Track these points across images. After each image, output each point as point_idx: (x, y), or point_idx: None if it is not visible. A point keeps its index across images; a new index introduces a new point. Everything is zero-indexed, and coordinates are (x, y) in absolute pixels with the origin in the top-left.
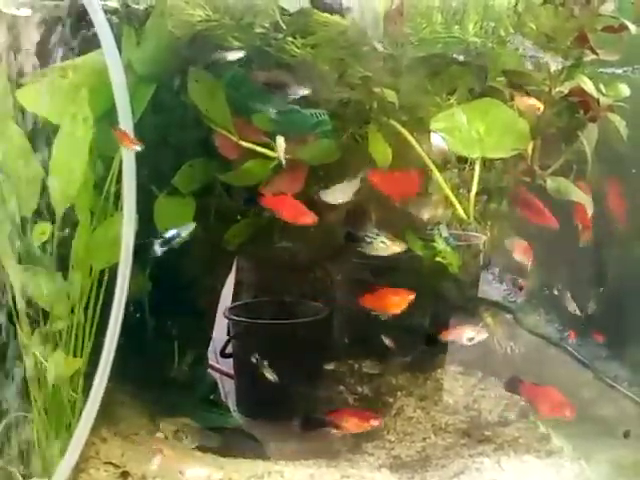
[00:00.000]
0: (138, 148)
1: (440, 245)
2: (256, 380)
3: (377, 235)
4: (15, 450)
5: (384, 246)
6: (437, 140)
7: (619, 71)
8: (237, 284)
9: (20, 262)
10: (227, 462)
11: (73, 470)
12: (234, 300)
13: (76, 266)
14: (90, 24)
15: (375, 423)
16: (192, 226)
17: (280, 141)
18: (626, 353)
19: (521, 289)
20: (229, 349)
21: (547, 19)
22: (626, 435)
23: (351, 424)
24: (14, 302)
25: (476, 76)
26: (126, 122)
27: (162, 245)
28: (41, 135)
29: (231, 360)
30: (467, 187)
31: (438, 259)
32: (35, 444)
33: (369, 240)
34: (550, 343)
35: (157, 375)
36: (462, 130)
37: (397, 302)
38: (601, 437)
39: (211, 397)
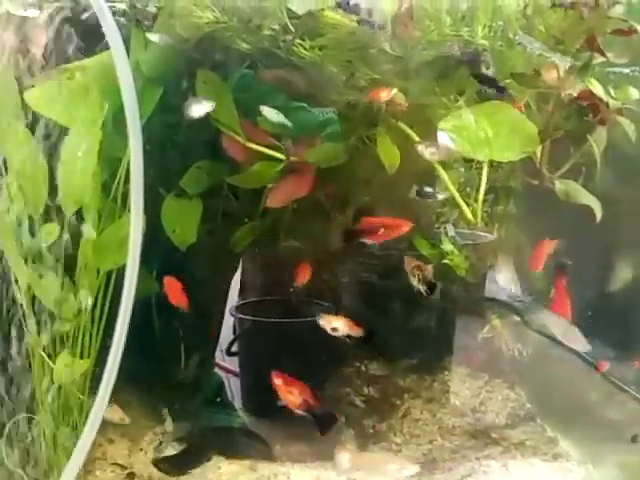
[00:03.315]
0: None
1: (447, 246)
2: (262, 378)
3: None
4: (21, 452)
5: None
6: (444, 140)
7: (626, 70)
8: (243, 283)
9: (27, 263)
10: (234, 463)
11: (80, 471)
12: (240, 299)
13: (83, 267)
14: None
15: None
16: None
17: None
18: (633, 355)
19: None
20: (235, 347)
21: (556, 22)
22: (634, 439)
23: None
24: (21, 303)
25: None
26: (134, 124)
27: None
28: (49, 136)
29: (237, 358)
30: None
31: (445, 261)
32: (42, 446)
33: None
34: (557, 344)
35: (164, 376)
36: (470, 131)
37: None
38: (608, 441)
39: (218, 398)
